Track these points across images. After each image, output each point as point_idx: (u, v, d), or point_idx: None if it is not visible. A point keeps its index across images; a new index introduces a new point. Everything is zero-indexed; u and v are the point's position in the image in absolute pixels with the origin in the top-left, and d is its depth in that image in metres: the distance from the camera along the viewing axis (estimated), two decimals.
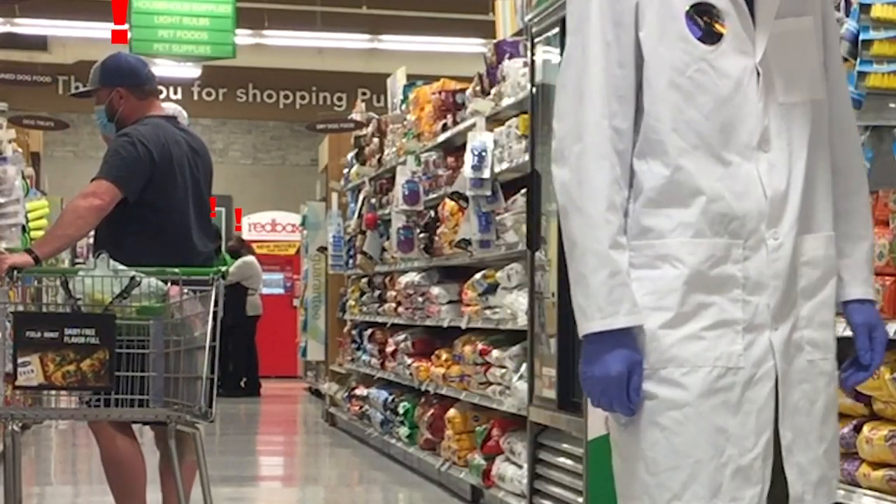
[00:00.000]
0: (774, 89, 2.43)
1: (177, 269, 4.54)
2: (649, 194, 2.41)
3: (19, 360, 4.22)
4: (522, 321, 6.22)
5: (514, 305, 6.43)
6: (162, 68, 12.97)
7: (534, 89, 6.00)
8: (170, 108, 5.57)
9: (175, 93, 19.50)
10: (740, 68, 2.42)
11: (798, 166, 2.44)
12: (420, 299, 8.40)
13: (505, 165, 6.66)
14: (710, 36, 2.41)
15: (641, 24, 2.42)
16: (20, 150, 8.76)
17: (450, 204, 7.60)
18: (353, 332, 11.22)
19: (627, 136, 2.43)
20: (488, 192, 6.72)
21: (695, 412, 2.37)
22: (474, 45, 15.01)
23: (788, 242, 2.42)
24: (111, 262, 4.49)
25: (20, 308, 4.61)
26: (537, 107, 5.94)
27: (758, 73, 2.42)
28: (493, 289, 6.84)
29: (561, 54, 3.71)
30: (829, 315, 2.50)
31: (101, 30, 13.72)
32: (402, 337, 9.02)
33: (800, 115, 2.45)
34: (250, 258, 16.46)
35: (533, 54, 6.00)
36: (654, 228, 2.41)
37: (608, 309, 2.37)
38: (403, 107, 9.65)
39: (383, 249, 9.83)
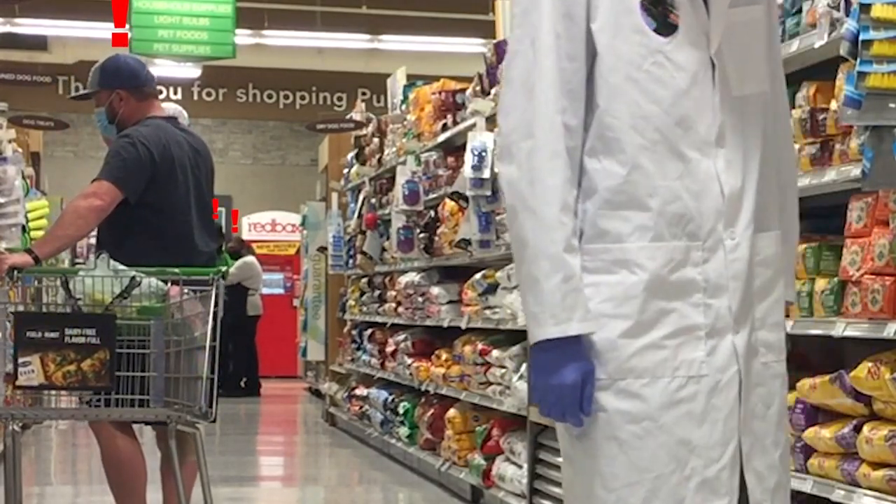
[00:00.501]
0: (728, 82, 2.34)
1: (177, 269, 4.54)
2: (605, 195, 2.31)
3: (20, 360, 4.21)
4: (522, 321, 6.22)
5: (514, 305, 6.42)
6: (162, 68, 12.98)
7: None
8: (170, 108, 5.57)
9: (175, 93, 19.49)
10: (696, 60, 2.32)
11: (752, 162, 2.36)
12: (420, 299, 8.40)
13: None
14: (665, 27, 2.31)
15: (594, 17, 2.31)
16: (20, 150, 8.75)
17: (450, 204, 7.60)
18: (353, 332, 11.22)
19: (577, 133, 2.31)
20: (488, 192, 6.72)
21: (654, 425, 2.27)
22: (474, 45, 15.00)
23: (745, 242, 2.33)
24: (111, 262, 4.49)
25: (20, 308, 4.61)
26: None
27: (713, 66, 2.33)
28: (493, 289, 6.84)
29: None
30: (781, 315, 2.44)
31: (102, 30, 13.72)
32: (402, 337, 9.01)
33: (752, 108, 2.38)
34: (251, 258, 16.47)
35: None
36: (610, 231, 2.31)
37: (562, 315, 2.26)
38: (403, 107, 9.65)
39: (383, 249, 9.82)
